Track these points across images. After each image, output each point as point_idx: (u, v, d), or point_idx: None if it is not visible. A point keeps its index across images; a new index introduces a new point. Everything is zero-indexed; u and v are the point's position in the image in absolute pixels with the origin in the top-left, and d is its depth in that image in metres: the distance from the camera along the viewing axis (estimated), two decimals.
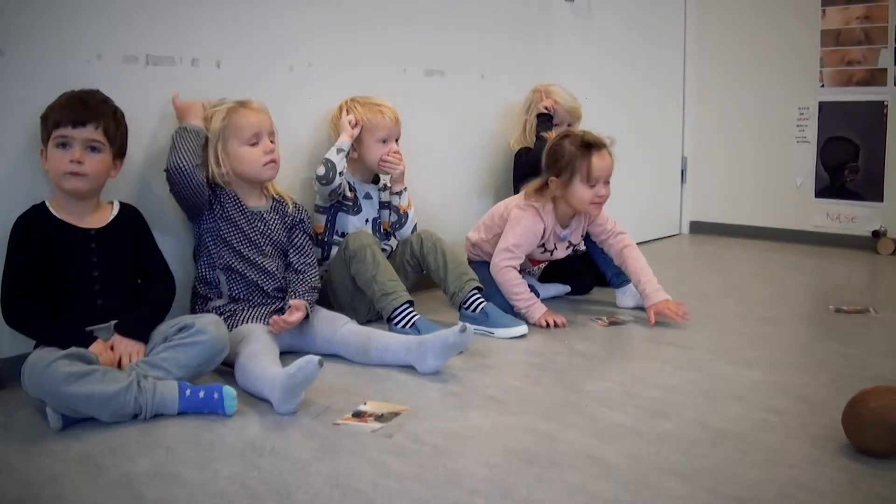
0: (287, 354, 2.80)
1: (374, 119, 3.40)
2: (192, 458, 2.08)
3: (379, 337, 2.90)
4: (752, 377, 2.71)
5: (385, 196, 3.57)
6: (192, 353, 2.47)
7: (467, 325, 2.72)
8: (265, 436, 2.23)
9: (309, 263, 3.09)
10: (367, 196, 3.52)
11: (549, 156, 3.43)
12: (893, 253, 5.09)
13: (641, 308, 3.53)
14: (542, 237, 3.48)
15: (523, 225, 3.44)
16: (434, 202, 4.00)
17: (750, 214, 5.83)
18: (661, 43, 5.75)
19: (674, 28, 5.85)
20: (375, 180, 3.59)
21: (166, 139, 2.89)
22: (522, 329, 3.23)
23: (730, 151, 5.89)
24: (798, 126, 5.53)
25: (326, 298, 3.24)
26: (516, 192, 3.96)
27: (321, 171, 3.25)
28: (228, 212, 2.96)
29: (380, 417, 2.35)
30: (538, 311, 3.40)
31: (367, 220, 3.50)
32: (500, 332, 3.21)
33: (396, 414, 2.38)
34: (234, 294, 2.96)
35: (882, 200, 5.22)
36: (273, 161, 3.01)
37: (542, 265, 3.96)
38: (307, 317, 2.94)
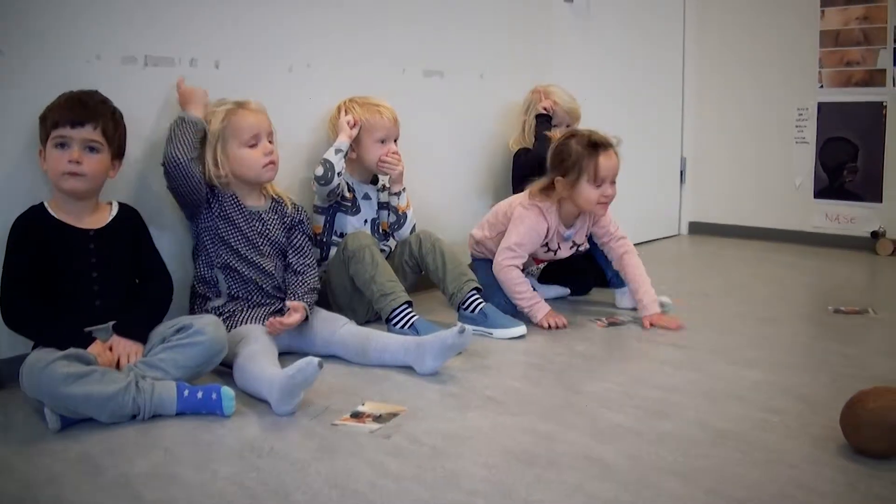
0: (286, 355, 2.80)
1: (372, 119, 3.40)
2: (191, 459, 2.08)
3: (378, 338, 2.89)
4: (752, 377, 2.71)
5: (384, 196, 3.57)
6: (190, 354, 2.47)
7: (466, 326, 2.72)
8: (263, 436, 2.22)
9: (308, 264, 3.09)
10: (366, 196, 3.51)
11: (555, 155, 3.42)
12: (892, 254, 5.09)
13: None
14: (546, 237, 3.47)
15: (526, 224, 3.43)
16: (433, 203, 4.00)
17: (749, 215, 5.83)
18: (660, 43, 5.75)
19: (673, 28, 5.85)
20: (374, 181, 3.58)
21: (165, 139, 2.89)
22: (521, 330, 3.23)
23: (729, 152, 5.89)
24: (797, 127, 5.53)
25: (325, 299, 3.23)
26: (515, 192, 3.96)
27: (319, 171, 3.25)
28: (227, 211, 2.96)
29: (378, 418, 2.35)
30: (541, 310, 3.40)
31: (365, 221, 3.50)
32: (498, 332, 3.21)
33: (395, 415, 2.37)
34: (232, 293, 2.96)
35: (881, 201, 5.22)
36: (272, 162, 3.00)
37: (542, 265, 3.96)
38: (306, 318, 2.94)
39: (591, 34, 5.03)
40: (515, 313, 3.41)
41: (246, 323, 2.89)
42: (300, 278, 3.03)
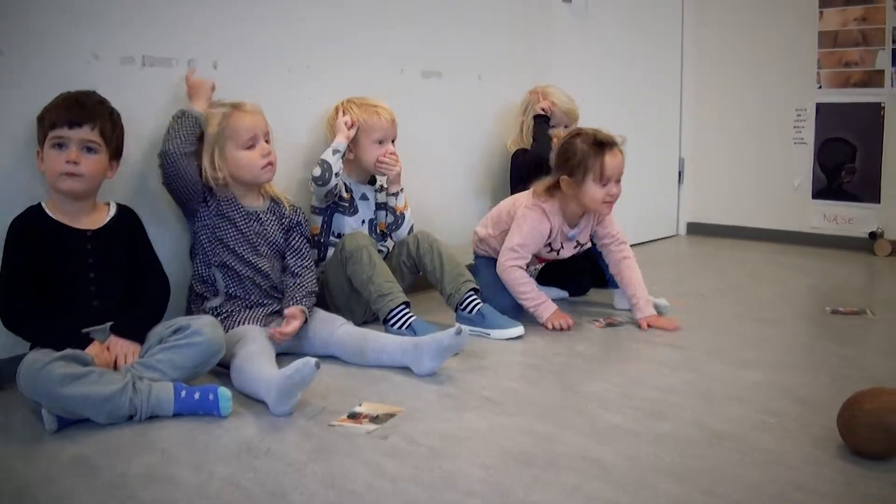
0: (283, 356, 2.80)
1: (370, 120, 3.40)
2: (188, 460, 2.08)
3: (375, 338, 2.89)
4: (749, 378, 2.71)
5: (381, 197, 3.57)
6: (187, 355, 2.46)
7: (463, 326, 2.72)
8: (260, 437, 2.22)
9: (306, 266, 3.09)
10: (364, 197, 3.51)
11: (560, 154, 3.40)
12: (890, 254, 5.10)
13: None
14: (549, 237, 3.46)
15: (529, 225, 3.42)
16: (431, 203, 4.00)
17: (747, 216, 5.84)
18: (658, 44, 5.76)
19: (671, 29, 5.85)
20: (372, 181, 3.58)
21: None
22: (519, 330, 3.23)
23: (727, 153, 5.90)
24: (795, 127, 5.54)
25: (323, 299, 3.23)
26: (513, 192, 3.96)
27: (317, 172, 3.25)
28: (224, 210, 2.96)
29: (375, 419, 2.34)
30: (547, 310, 3.39)
31: (363, 222, 3.50)
32: (496, 333, 3.21)
33: (392, 415, 2.37)
34: (230, 292, 2.96)
35: (879, 202, 5.23)
36: (270, 163, 3.01)
37: (541, 265, 3.95)
38: (305, 321, 2.94)
39: (589, 35, 5.03)
40: (520, 313, 3.41)
41: (243, 323, 2.89)
42: (298, 281, 3.03)
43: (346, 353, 2.90)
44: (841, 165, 5.36)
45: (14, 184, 2.64)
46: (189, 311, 2.98)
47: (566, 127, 4.18)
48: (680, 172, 6.08)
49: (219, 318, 2.77)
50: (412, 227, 3.56)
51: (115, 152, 2.65)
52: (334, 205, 3.42)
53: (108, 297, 2.59)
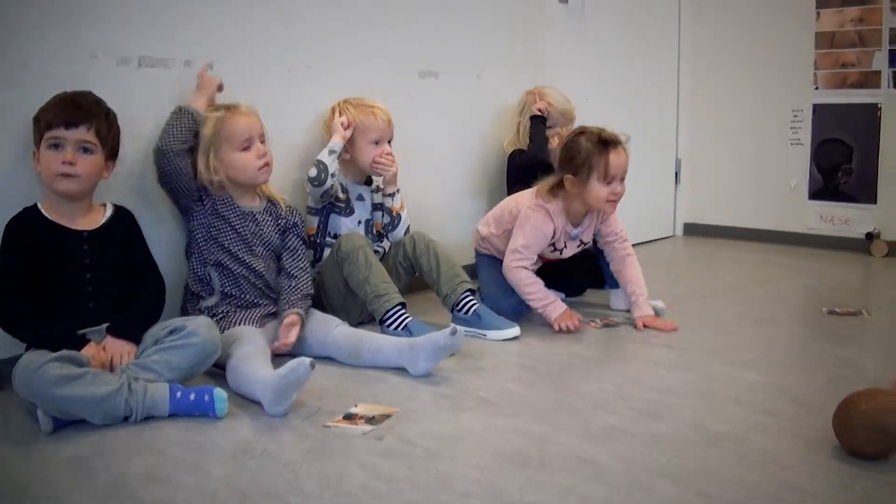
0: (280, 357, 2.79)
1: (366, 121, 3.40)
2: (183, 461, 2.08)
3: (371, 339, 2.89)
4: (746, 378, 2.72)
5: (378, 198, 3.56)
6: (183, 356, 2.46)
7: (458, 327, 2.72)
8: (256, 438, 2.22)
9: (301, 268, 3.09)
10: (360, 198, 3.51)
11: (564, 153, 3.39)
12: (887, 255, 5.10)
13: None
14: (553, 237, 3.45)
15: (532, 226, 3.40)
16: (427, 204, 4.00)
17: (744, 216, 5.83)
18: (655, 44, 5.76)
19: (668, 30, 5.85)
20: (368, 182, 3.58)
21: None
22: (515, 331, 3.23)
23: (724, 153, 5.90)
24: (792, 128, 5.54)
25: (319, 300, 3.23)
26: (510, 193, 3.96)
27: (313, 172, 3.25)
28: (220, 209, 2.96)
29: (371, 420, 2.34)
30: (555, 311, 3.37)
31: (359, 222, 3.49)
32: (492, 334, 3.21)
33: (387, 416, 2.37)
34: (225, 290, 2.96)
35: (875, 202, 5.23)
36: (267, 164, 3.01)
37: (538, 265, 3.95)
38: (302, 323, 2.94)
39: (586, 35, 5.03)
40: (520, 312, 3.43)
41: (239, 324, 2.89)
42: (293, 283, 3.03)
43: (342, 353, 2.90)
44: (837, 166, 5.36)
45: (10, 184, 2.63)
46: (185, 310, 2.98)
47: (562, 128, 4.19)
48: (677, 173, 6.08)
49: (214, 319, 2.77)
50: (408, 227, 3.55)
51: (112, 153, 2.64)
52: (330, 205, 3.42)
53: (105, 299, 2.59)
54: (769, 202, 5.68)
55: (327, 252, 3.35)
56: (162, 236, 3.00)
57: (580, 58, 5.00)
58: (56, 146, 2.50)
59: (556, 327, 3.33)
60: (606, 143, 3.28)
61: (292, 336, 2.86)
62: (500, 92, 4.42)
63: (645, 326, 3.37)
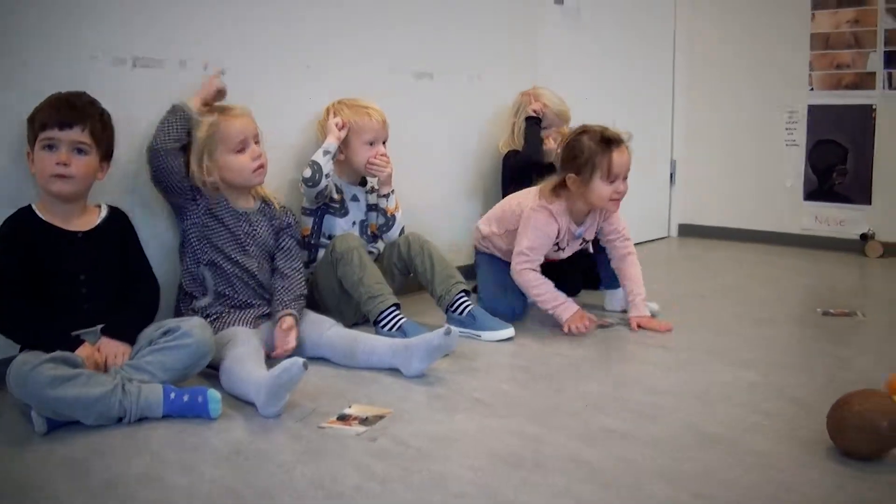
0: (273, 359, 2.79)
1: (360, 121, 3.40)
2: (177, 462, 2.07)
3: (365, 340, 2.89)
4: (742, 379, 2.72)
5: (372, 198, 3.56)
6: (177, 357, 2.45)
7: (452, 327, 2.72)
8: (250, 439, 2.22)
9: (295, 268, 3.09)
10: (355, 198, 3.51)
11: (566, 152, 3.36)
12: (881, 256, 5.10)
13: (626, 311, 3.53)
14: (557, 237, 3.44)
15: (536, 227, 3.39)
16: (422, 205, 4.00)
17: (739, 217, 5.84)
18: (651, 46, 5.76)
19: (664, 31, 5.86)
20: (363, 183, 3.58)
21: None
22: (509, 332, 3.23)
23: (719, 154, 5.90)
24: (787, 129, 5.55)
25: (313, 301, 3.23)
26: (505, 195, 3.95)
27: (307, 173, 3.25)
28: (214, 209, 2.96)
29: (364, 421, 2.34)
30: (566, 311, 3.34)
31: (354, 223, 3.49)
32: (486, 334, 3.21)
33: (381, 417, 2.37)
34: (219, 290, 2.95)
35: (870, 203, 5.24)
36: (262, 166, 3.00)
37: None
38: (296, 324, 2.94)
39: (581, 36, 5.03)
40: (516, 313, 3.45)
41: (233, 325, 2.88)
42: (286, 283, 3.03)
43: (336, 354, 2.90)
44: (832, 167, 5.37)
45: (5, 185, 2.63)
46: (178, 310, 2.98)
47: (557, 129, 4.19)
48: (672, 174, 6.09)
49: (208, 320, 2.77)
50: (403, 228, 3.55)
51: (106, 153, 2.64)
52: (325, 206, 3.42)
53: (99, 299, 2.59)
54: (764, 203, 5.69)
55: (322, 253, 3.36)
56: (156, 236, 3.00)
57: (575, 59, 5.00)
58: (50, 147, 2.50)
59: (566, 329, 3.31)
60: (609, 141, 3.27)
61: (291, 340, 2.86)
62: (496, 93, 4.42)
63: (639, 327, 3.37)
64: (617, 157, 3.26)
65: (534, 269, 3.41)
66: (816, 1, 5.32)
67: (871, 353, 3.08)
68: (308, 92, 3.51)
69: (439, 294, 3.29)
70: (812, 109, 5.43)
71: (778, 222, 5.63)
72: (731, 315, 3.65)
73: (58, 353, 2.28)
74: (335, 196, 3.42)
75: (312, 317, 3.03)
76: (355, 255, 3.14)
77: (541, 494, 1.89)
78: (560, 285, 3.82)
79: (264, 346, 2.79)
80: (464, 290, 3.29)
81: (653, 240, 5.95)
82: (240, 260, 2.97)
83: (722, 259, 5.22)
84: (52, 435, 2.23)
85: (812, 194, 5.48)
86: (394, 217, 3.53)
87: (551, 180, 3.43)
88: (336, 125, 3.35)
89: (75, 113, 2.53)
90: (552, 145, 4.17)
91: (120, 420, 2.30)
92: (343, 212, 3.46)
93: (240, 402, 2.47)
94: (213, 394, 2.36)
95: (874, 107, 5.16)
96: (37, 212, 2.55)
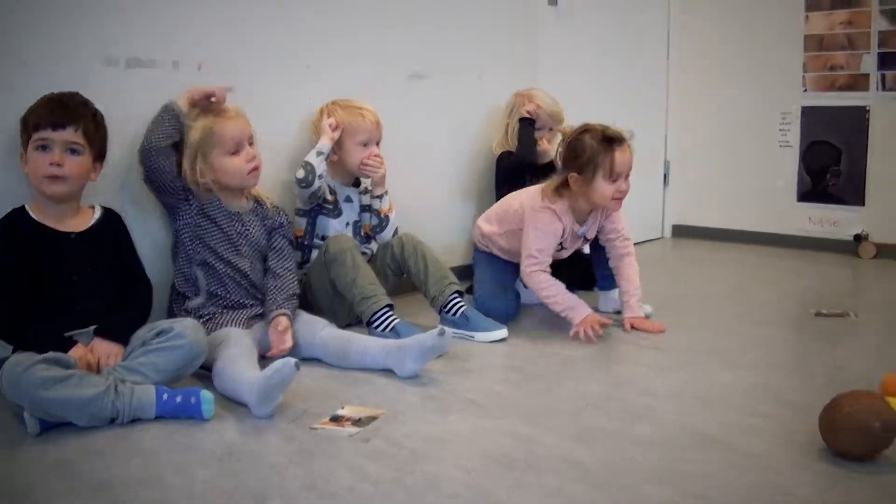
0: (267, 360, 2.79)
1: (354, 122, 3.40)
2: (170, 463, 2.07)
3: (359, 341, 2.89)
4: (735, 380, 2.72)
5: (366, 199, 3.56)
6: (170, 358, 2.45)
7: (445, 328, 2.72)
8: (242, 440, 2.22)
9: (288, 268, 3.09)
10: (348, 199, 3.51)
11: (568, 151, 3.35)
12: (875, 257, 5.11)
13: (620, 312, 3.53)
14: (562, 236, 3.43)
15: (542, 228, 3.38)
16: (416, 205, 3.99)
17: (732, 218, 5.84)
18: (644, 47, 5.76)
19: (657, 32, 5.86)
20: (356, 183, 3.58)
21: None
22: (502, 333, 3.23)
23: (713, 155, 5.90)
24: (781, 130, 5.55)
25: (306, 301, 3.22)
26: (499, 196, 3.96)
27: (300, 174, 3.25)
28: (206, 209, 2.95)
29: (357, 422, 2.34)
30: (577, 316, 3.30)
31: (347, 224, 3.49)
32: (480, 335, 3.21)
33: (374, 418, 2.37)
34: (212, 290, 2.95)
35: (864, 204, 5.24)
36: (256, 168, 3.00)
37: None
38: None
39: (575, 37, 5.03)
40: (511, 312, 3.47)
41: (226, 326, 2.88)
42: (279, 283, 3.02)
43: (330, 355, 2.90)
44: (826, 168, 5.37)
45: (7, 185, 2.64)
46: (171, 311, 2.98)
47: (551, 130, 4.19)
48: (665, 175, 6.09)
49: (201, 321, 2.76)
50: (397, 229, 3.55)
51: (99, 154, 2.65)
52: (318, 207, 3.41)
53: (93, 300, 2.59)
54: (758, 204, 5.69)
55: (315, 254, 3.35)
56: (148, 236, 3.00)
57: (570, 60, 4.99)
58: (44, 147, 2.50)
59: (573, 333, 3.25)
60: (611, 140, 3.26)
61: (288, 340, 2.85)
62: (491, 94, 4.42)
63: (633, 328, 3.37)
64: (619, 155, 3.25)
65: (544, 271, 3.40)
66: (810, 2, 5.32)
67: (864, 354, 3.09)
68: (308, 92, 3.51)
69: (433, 295, 3.29)
70: (806, 111, 5.43)
71: (772, 223, 5.63)
72: (725, 316, 3.65)
73: (50, 354, 2.27)
74: (329, 197, 3.42)
75: (306, 317, 3.03)
76: (348, 256, 3.13)
77: (534, 495, 1.89)
78: None
79: (257, 347, 2.79)
80: (457, 291, 3.29)
81: (646, 241, 5.94)
82: (232, 260, 2.96)
83: (716, 260, 5.22)
84: (44, 436, 2.23)
85: (806, 195, 5.48)
86: (387, 218, 3.53)
87: (554, 180, 3.42)
88: (330, 126, 3.35)
89: (68, 113, 2.53)
90: (546, 146, 4.18)
91: (112, 421, 2.30)
92: (336, 213, 3.45)
93: (232, 403, 2.46)
94: (206, 395, 2.36)
95: (868, 108, 5.16)
96: (30, 212, 2.56)
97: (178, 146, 2.91)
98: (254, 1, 3.32)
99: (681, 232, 6.12)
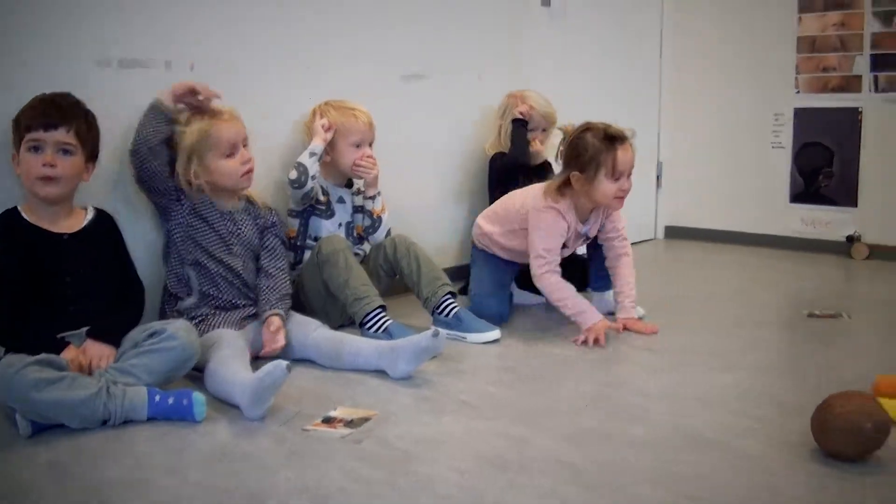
0: (260, 360, 2.79)
1: (347, 123, 3.39)
2: (162, 465, 2.07)
3: (351, 342, 2.89)
4: (727, 381, 2.72)
5: (358, 200, 3.56)
6: (162, 359, 2.44)
7: (439, 329, 2.72)
8: (234, 442, 2.21)
9: (280, 268, 3.08)
10: (341, 200, 3.50)
11: (570, 150, 3.35)
12: (867, 258, 5.12)
13: (614, 313, 3.52)
14: (567, 235, 3.42)
15: (548, 227, 3.37)
16: (408, 206, 3.99)
17: (726, 219, 5.84)
18: (637, 48, 5.77)
19: (650, 34, 5.86)
20: (349, 184, 3.57)
21: None
22: (495, 334, 3.22)
23: (705, 156, 5.91)
24: (773, 132, 5.55)
25: (299, 302, 3.22)
26: (492, 197, 3.95)
27: (293, 175, 3.24)
28: (198, 209, 2.95)
29: (350, 423, 2.34)
30: (588, 321, 3.25)
31: (340, 225, 3.49)
32: (472, 336, 3.20)
33: (366, 419, 2.37)
34: (204, 290, 2.94)
35: (856, 206, 5.25)
36: (250, 170, 3.00)
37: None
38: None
39: (568, 39, 5.03)
40: (504, 312, 3.48)
41: (219, 327, 2.88)
42: (271, 283, 3.02)
43: (322, 356, 2.89)
44: (819, 170, 5.38)
45: (4, 185, 2.64)
46: (163, 311, 2.98)
47: (544, 130, 4.19)
48: (658, 176, 6.09)
49: (194, 322, 2.76)
50: (389, 230, 3.55)
51: (92, 154, 2.64)
52: (311, 208, 3.41)
53: (85, 302, 2.59)
54: (750, 205, 5.70)
55: (308, 254, 3.35)
56: (141, 237, 2.99)
57: (563, 61, 4.99)
58: (36, 148, 2.50)
59: (580, 341, 3.20)
60: (613, 138, 3.27)
61: (281, 339, 2.85)
62: (484, 94, 4.42)
63: (625, 329, 3.36)
64: (621, 154, 3.26)
65: (554, 272, 3.37)
66: (803, 4, 5.33)
67: (857, 355, 3.09)
68: (308, 92, 3.50)
69: (425, 296, 3.29)
70: (798, 112, 5.44)
71: (764, 224, 5.63)
72: (719, 317, 3.65)
73: (43, 356, 2.27)
74: (321, 198, 3.41)
75: (298, 318, 3.02)
76: (341, 256, 3.13)
77: (527, 496, 1.89)
78: None
79: (250, 347, 2.79)
80: (450, 292, 3.29)
81: (639, 242, 5.94)
82: (225, 259, 2.96)
83: (708, 261, 5.23)
84: (36, 438, 2.22)
85: (798, 197, 5.49)
86: (380, 219, 3.53)
87: (555, 180, 3.41)
88: (322, 127, 3.35)
89: (60, 114, 2.53)
90: (538, 147, 4.18)
91: (104, 423, 2.29)
92: (329, 213, 3.45)
93: (224, 405, 2.46)
94: (198, 396, 2.36)
95: (860, 110, 5.17)
96: (23, 214, 2.55)
97: (169, 146, 2.90)
98: (253, 1, 3.31)
99: (673, 233, 6.12)
